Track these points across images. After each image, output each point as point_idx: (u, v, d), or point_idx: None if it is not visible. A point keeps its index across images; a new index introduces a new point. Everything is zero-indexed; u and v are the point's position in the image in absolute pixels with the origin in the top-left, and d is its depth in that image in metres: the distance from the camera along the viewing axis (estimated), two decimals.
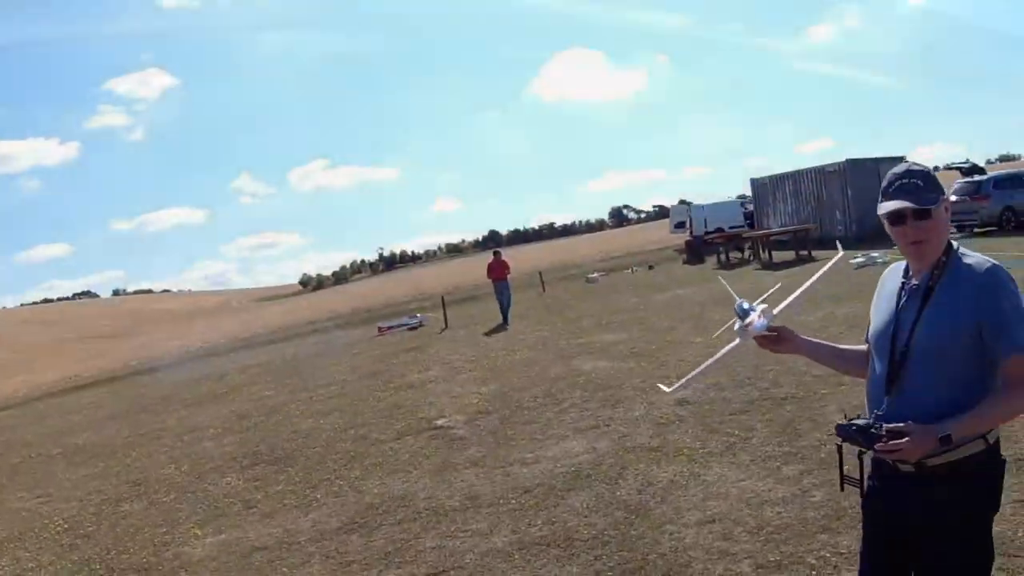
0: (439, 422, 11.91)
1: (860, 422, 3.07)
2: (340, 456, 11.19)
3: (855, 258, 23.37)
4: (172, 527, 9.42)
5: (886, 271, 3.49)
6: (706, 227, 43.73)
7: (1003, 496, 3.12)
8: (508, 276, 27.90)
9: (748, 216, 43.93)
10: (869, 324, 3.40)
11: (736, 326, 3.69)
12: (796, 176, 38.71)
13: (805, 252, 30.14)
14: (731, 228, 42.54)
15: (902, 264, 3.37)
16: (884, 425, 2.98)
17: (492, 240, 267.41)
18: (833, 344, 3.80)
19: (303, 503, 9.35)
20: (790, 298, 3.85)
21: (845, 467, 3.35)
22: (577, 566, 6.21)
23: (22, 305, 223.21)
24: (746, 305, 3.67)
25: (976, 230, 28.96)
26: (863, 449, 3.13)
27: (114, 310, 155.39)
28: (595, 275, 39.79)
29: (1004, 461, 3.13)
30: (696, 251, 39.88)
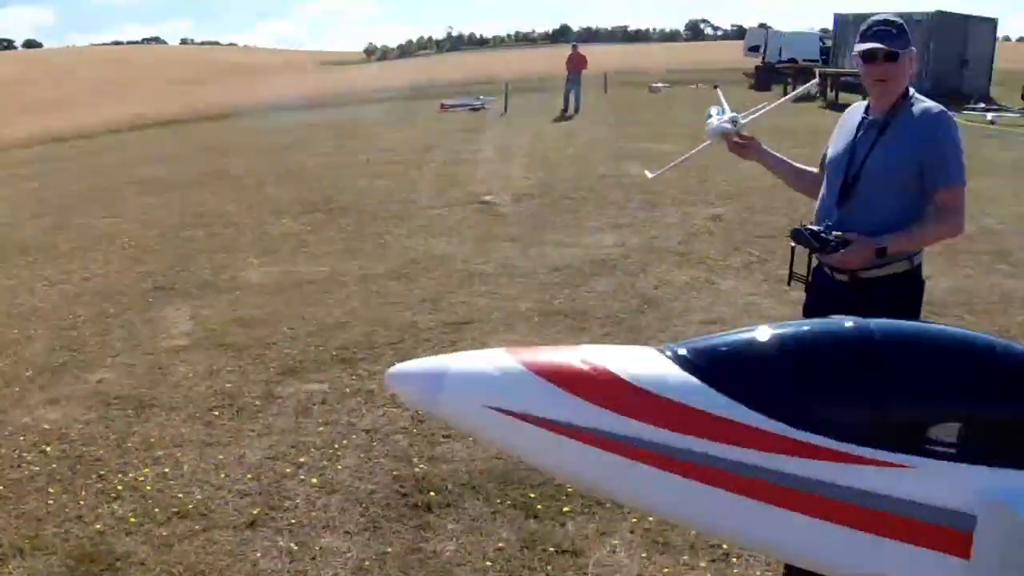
0: (486, 198, 12.61)
1: (814, 227, 3.56)
2: (390, 215, 11.98)
3: None
4: (230, 254, 10.31)
5: (848, 109, 3.97)
6: (780, 56, 42.87)
7: None
8: (583, 72, 28.23)
9: (825, 52, 42.68)
10: (827, 151, 3.89)
11: (706, 127, 4.12)
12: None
13: None
14: (805, 60, 41.48)
15: (863, 104, 3.86)
16: (833, 232, 3.50)
17: (562, 34, 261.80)
18: (792, 162, 4.26)
19: (352, 249, 10.20)
20: (758, 112, 4.24)
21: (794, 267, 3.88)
22: (587, 337, 6.98)
23: (92, 45, 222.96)
24: (714, 111, 4.20)
25: None
26: (813, 251, 3.66)
27: (181, 57, 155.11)
28: (659, 85, 39.32)
29: (923, 282, 3.75)
30: (765, 78, 39.09)
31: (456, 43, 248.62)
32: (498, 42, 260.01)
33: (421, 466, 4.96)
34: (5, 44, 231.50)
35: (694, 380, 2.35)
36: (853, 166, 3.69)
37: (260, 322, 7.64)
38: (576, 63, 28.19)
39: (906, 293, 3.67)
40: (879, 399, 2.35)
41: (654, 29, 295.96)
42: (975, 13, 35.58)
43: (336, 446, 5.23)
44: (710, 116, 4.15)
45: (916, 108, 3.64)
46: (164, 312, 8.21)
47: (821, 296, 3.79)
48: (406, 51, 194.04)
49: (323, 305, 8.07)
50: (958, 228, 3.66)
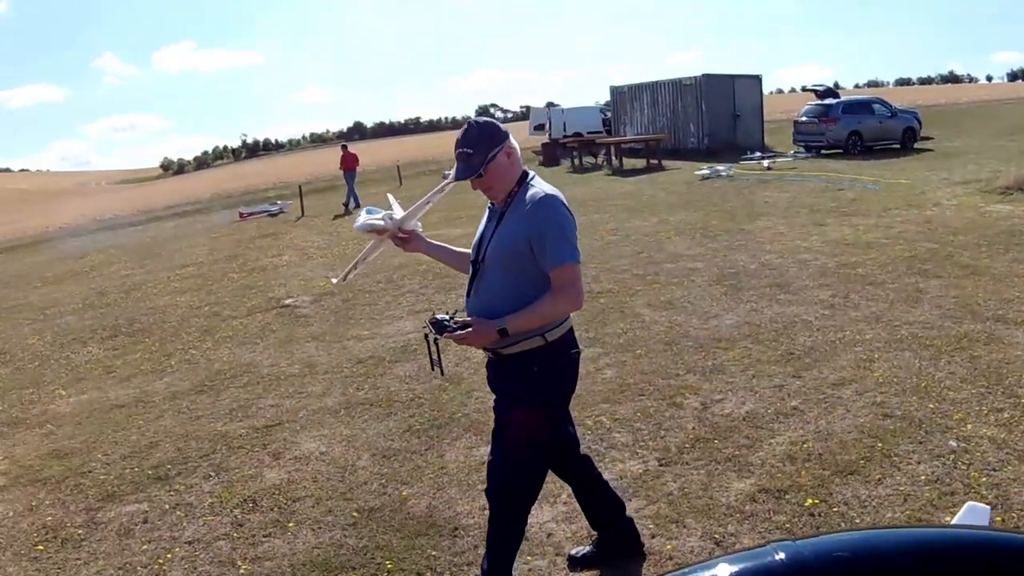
0: (287, 301, 12.99)
1: (440, 316, 3.95)
2: (194, 330, 12.20)
3: (700, 170, 24.85)
4: (38, 388, 10.35)
5: None
6: (564, 131, 44.31)
7: None
8: (357, 168, 29.15)
9: (607, 123, 44.38)
10: None
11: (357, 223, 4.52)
12: (654, 87, 39.20)
13: (656, 161, 31.08)
14: (589, 133, 42.98)
15: None
16: (455, 318, 3.92)
17: (357, 131, 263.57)
18: (451, 247, 4.68)
19: (158, 369, 10.38)
20: (418, 205, 4.57)
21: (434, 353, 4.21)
22: (394, 421, 7.45)
23: None
24: (363, 213, 4.59)
25: (823, 151, 30.50)
26: (436, 336, 4.00)
27: None
28: (451, 172, 40.27)
29: (570, 355, 4.08)
30: (551, 154, 40.42)
31: (252, 150, 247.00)
32: (294, 145, 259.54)
33: (245, 567, 5.27)
34: None
35: None
36: (480, 252, 4.10)
37: (75, 452, 7.79)
38: (347, 161, 29.19)
39: (542, 367, 3.97)
40: None
41: (446, 118, 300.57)
42: (740, 73, 37.98)
43: (161, 561, 5.46)
44: (359, 215, 4.64)
45: (527, 195, 3.95)
46: None
47: (488, 371, 4.27)
48: (203, 162, 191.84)
49: (134, 427, 8.25)
50: (571, 303, 3.91)
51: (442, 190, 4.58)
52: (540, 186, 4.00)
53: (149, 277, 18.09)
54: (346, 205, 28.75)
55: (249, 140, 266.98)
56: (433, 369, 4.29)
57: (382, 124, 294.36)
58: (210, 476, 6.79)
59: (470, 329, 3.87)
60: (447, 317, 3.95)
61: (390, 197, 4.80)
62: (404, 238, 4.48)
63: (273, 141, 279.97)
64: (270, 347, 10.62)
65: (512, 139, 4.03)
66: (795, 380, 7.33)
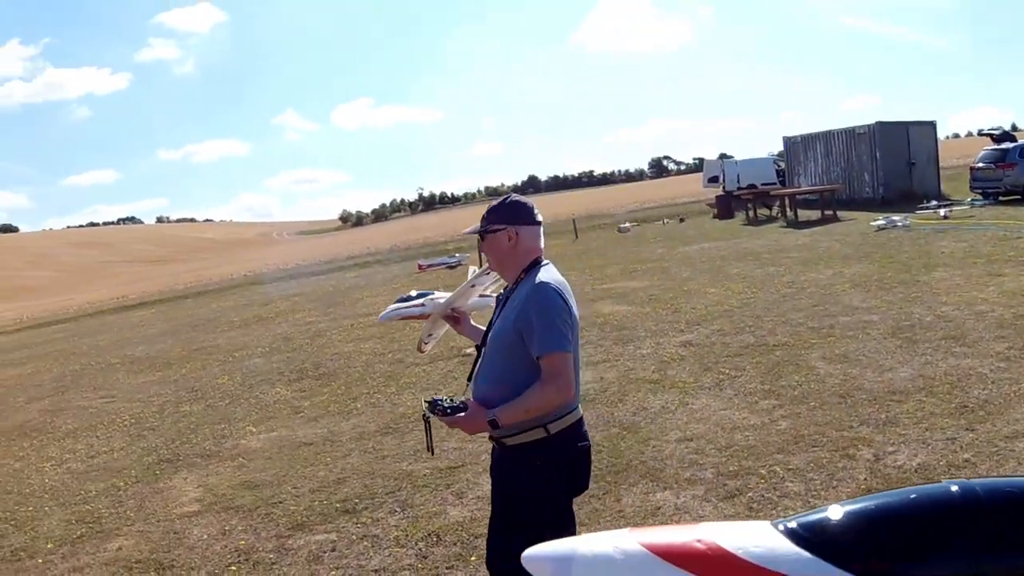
0: (468, 350, 13.13)
1: (437, 397, 3.88)
2: (378, 375, 12.49)
3: (876, 221, 24.19)
4: (229, 424, 10.81)
5: None
6: (738, 183, 43.88)
7: None
8: None
9: (781, 174, 43.60)
10: None
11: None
12: (827, 136, 38.27)
13: (830, 212, 30.22)
14: (763, 185, 42.26)
15: None
16: (450, 402, 3.82)
17: (531, 185, 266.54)
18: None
19: (344, 411, 10.68)
20: (454, 292, 4.73)
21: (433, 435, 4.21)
22: None
23: (68, 227, 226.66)
24: (396, 302, 4.68)
25: (1001, 198, 29.13)
26: (429, 416, 3.92)
27: (158, 236, 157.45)
28: (627, 225, 40.14)
29: (577, 448, 3.90)
30: (726, 206, 39.90)
31: (429, 203, 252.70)
32: (469, 198, 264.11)
33: None
34: None
35: (806, 554, 2.53)
36: (484, 337, 4.15)
37: (266, 484, 8.09)
38: None
39: (543, 459, 3.81)
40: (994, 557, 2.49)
41: (619, 171, 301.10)
42: (914, 119, 36.99)
43: None
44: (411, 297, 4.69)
45: (528, 280, 3.93)
46: (173, 482, 8.68)
47: (493, 460, 4.20)
48: (381, 215, 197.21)
49: (322, 464, 8.52)
50: (560, 393, 3.75)
51: (487, 272, 4.55)
52: (541, 274, 3.94)
53: (333, 324, 18.62)
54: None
55: (425, 193, 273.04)
56: (428, 449, 4.31)
57: (555, 177, 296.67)
58: (395, 511, 6.93)
59: (461, 414, 3.82)
60: (445, 399, 3.89)
61: (471, 268, 4.94)
62: (455, 318, 4.65)
63: (449, 194, 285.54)
64: (452, 392, 10.76)
65: (526, 229, 4.02)
66: (968, 433, 7.03)
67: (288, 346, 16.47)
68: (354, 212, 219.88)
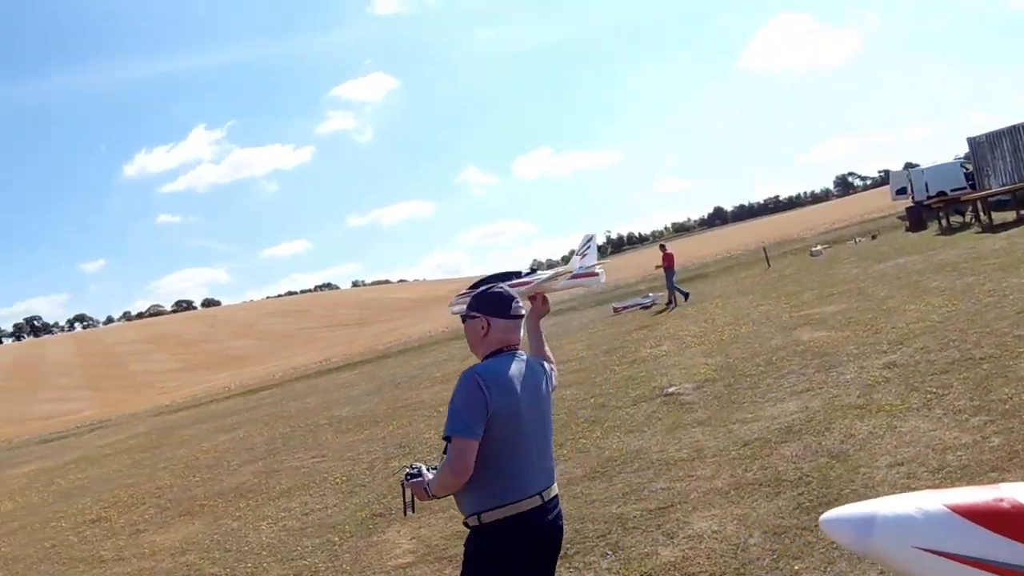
0: (670, 389, 13.21)
1: (417, 464, 4.31)
2: (582, 420, 12.67)
3: None
4: None
5: None
6: (927, 191, 42.40)
7: None
8: (675, 267, 29.92)
9: (970, 177, 41.71)
10: None
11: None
12: (1013, 132, 36.02)
13: None
14: (953, 191, 40.75)
15: None
16: (414, 469, 4.24)
17: (718, 216, 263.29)
18: (543, 344, 4.91)
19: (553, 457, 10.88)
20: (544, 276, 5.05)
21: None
22: (783, 500, 7.43)
23: (267, 298, 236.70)
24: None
25: None
26: (403, 481, 4.28)
27: (354, 300, 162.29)
28: (818, 248, 39.21)
29: (503, 546, 4.01)
30: (917, 217, 38.70)
31: (617, 245, 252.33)
32: (657, 236, 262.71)
33: None
34: (185, 305, 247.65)
35: None
36: None
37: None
38: (667, 260, 29.43)
39: (475, 546, 4.08)
40: None
41: (805, 193, 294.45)
42: None
43: None
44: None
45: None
46: (386, 535, 9.12)
47: None
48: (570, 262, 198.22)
49: None
50: (454, 476, 3.96)
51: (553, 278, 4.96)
52: (484, 362, 4.20)
53: None
54: (670, 302, 28.88)
55: (613, 235, 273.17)
56: (406, 512, 4.47)
57: (742, 207, 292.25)
58: (607, 555, 7.08)
59: (416, 479, 4.17)
60: (420, 466, 4.26)
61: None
62: (541, 299, 5.08)
63: (636, 234, 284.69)
64: (657, 434, 10.85)
65: (499, 321, 4.25)
66: None
67: None
68: (544, 260, 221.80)
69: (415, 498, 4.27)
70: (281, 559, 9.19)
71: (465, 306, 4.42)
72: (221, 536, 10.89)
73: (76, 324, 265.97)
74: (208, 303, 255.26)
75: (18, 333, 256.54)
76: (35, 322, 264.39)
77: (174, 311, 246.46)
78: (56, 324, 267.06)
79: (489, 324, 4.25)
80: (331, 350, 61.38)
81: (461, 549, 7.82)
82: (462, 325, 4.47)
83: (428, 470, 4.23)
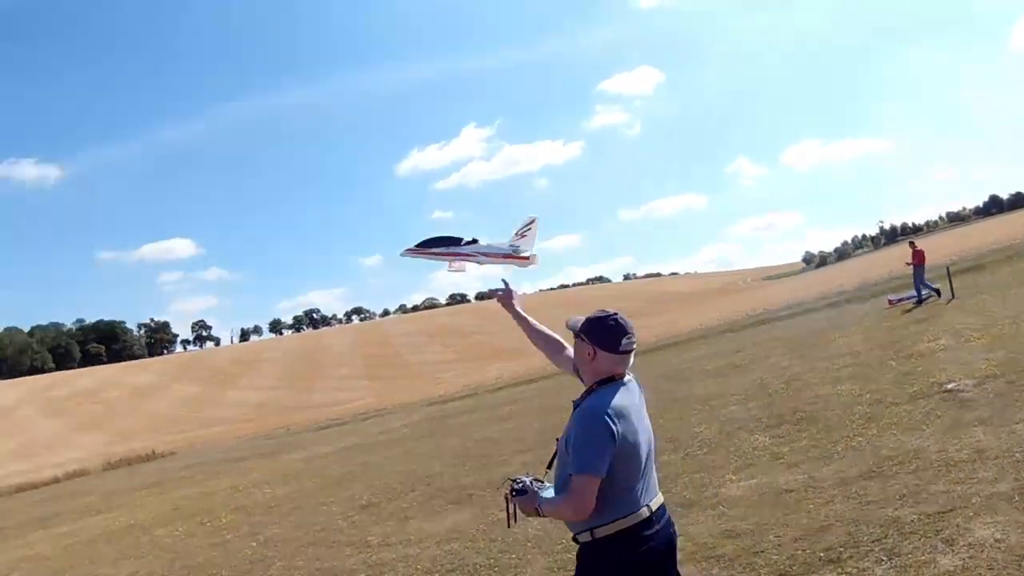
0: (949, 386, 12.51)
1: (522, 477, 4.53)
2: (857, 417, 12.16)
3: None
4: (708, 473, 11.01)
5: None
6: None
7: None
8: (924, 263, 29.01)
9: None
10: None
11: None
12: None
13: None
14: None
15: None
16: (519, 484, 4.46)
17: (993, 205, 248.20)
18: (535, 324, 5.41)
19: (825, 455, 10.51)
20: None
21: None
22: None
23: (540, 291, 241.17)
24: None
25: None
26: (507, 494, 4.54)
27: (626, 292, 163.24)
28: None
29: (630, 558, 4.17)
30: None
31: (890, 235, 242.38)
32: (932, 226, 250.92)
33: None
34: (459, 298, 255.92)
35: None
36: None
37: (746, 532, 8.20)
38: (917, 257, 28.42)
39: (588, 560, 4.24)
40: None
41: None
42: None
43: None
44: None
45: (589, 399, 4.32)
46: None
47: None
48: (843, 253, 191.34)
49: (804, 511, 8.47)
50: (574, 511, 4.15)
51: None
52: (599, 398, 4.26)
53: (807, 367, 18.33)
54: (919, 300, 27.29)
55: (886, 226, 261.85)
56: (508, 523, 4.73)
57: (1018, 194, 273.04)
58: (882, 560, 6.76)
59: (522, 496, 4.42)
60: (525, 479, 4.50)
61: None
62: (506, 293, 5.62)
63: (910, 224, 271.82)
64: (936, 433, 10.27)
65: (604, 355, 4.36)
66: None
67: (764, 392, 16.43)
68: (816, 252, 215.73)
69: (519, 510, 4.54)
70: (545, 551, 9.28)
71: (582, 324, 4.53)
72: (487, 526, 11.09)
73: (354, 317, 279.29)
74: (482, 296, 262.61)
75: (298, 325, 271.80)
76: (314, 315, 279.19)
77: (448, 304, 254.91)
78: (335, 316, 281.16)
79: (595, 354, 4.38)
80: None
81: (731, 548, 7.75)
82: None
83: (533, 483, 4.47)
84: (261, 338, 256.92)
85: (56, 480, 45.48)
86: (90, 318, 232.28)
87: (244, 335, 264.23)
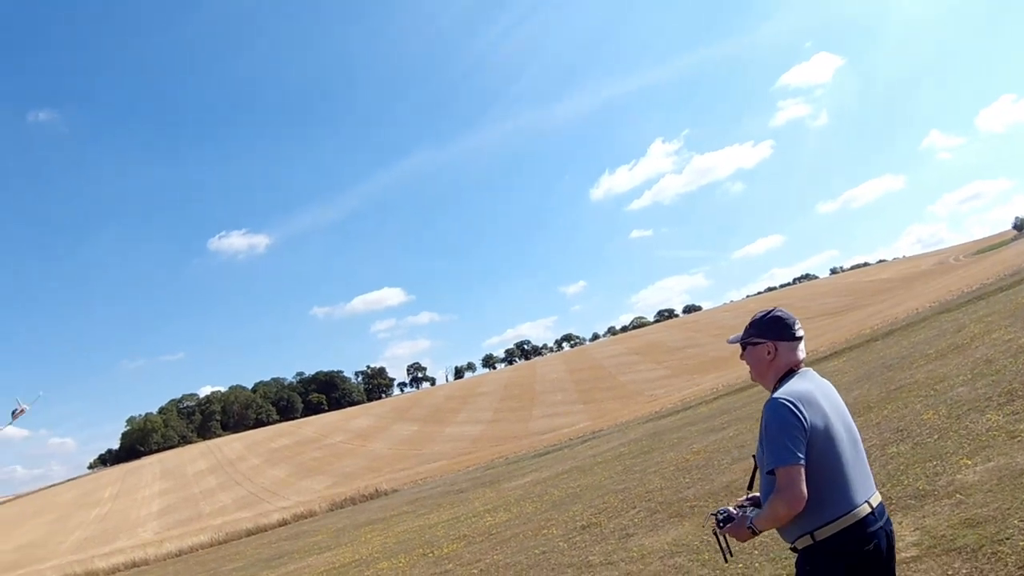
0: None
1: (728, 508, 4.39)
2: None
3: None
4: (940, 460, 10.13)
5: None
6: None
7: None
8: None
9: None
10: None
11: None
12: None
13: None
14: None
15: None
16: (724, 514, 4.34)
17: None
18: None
19: None
20: None
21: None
22: None
23: (748, 297, 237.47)
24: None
25: None
26: (715, 529, 4.44)
27: (835, 287, 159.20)
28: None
29: (855, 553, 4.01)
30: None
31: None
32: None
33: None
34: (667, 314, 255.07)
35: None
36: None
37: (988, 520, 7.44)
38: None
39: (812, 565, 4.06)
40: None
41: None
42: None
43: None
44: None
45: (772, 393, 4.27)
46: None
47: None
48: None
49: None
50: (788, 506, 3.95)
51: None
52: (781, 389, 4.22)
53: None
54: None
55: None
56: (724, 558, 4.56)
57: None
58: None
59: (731, 524, 4.28)
60: (727, 508, 4.36)
61: None
62: None
63: None
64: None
65: (784, 344, 4.42)
66: None
67: (990, 369, 15.24)
68: None
69: (730, 541, 4.44)
70: (773, 558, 8.76)
71: (746, 327, 4.59)
72: (710, 536, 10.53)
73: (564, 344, 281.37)
74: (689, 309, 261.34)
75: (509, 358, 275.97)
76: (525, 346, 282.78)
77: (656, 321, 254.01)
78: (545, 346, 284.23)
79: (776, 349, 4.42)
80: (816, 340, 60.15)
81: (972, 538, 7.00)
82: (741, 354, 4.61)
83: (737, 509, 4.35)
84: (475, 374, 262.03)
85: (284, 523, 47.31)
86: (309, 370, 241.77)
87: (459, 373, 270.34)
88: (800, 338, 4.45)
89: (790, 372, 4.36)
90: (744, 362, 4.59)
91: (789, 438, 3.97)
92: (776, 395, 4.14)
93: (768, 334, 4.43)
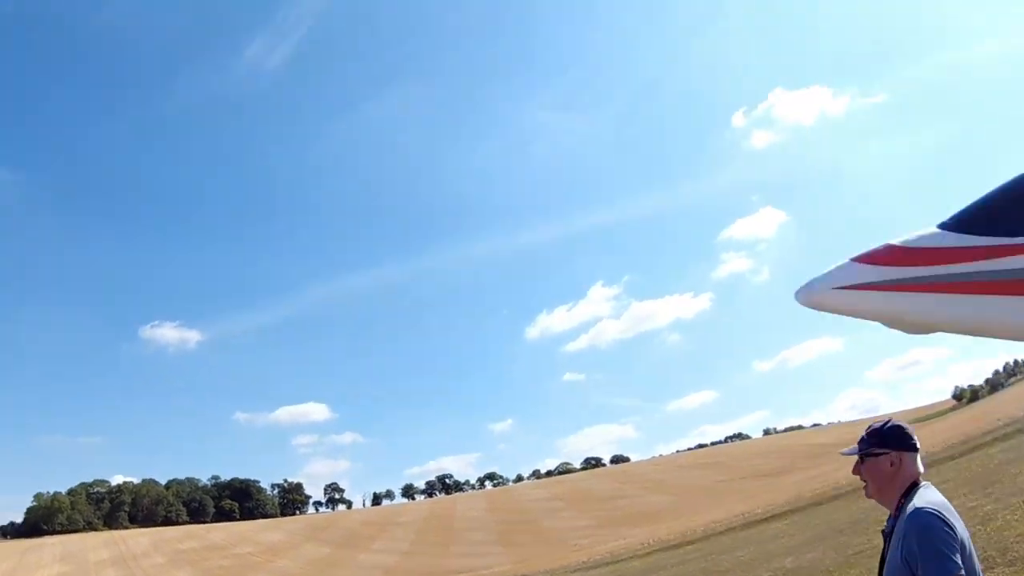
0: None
1: None
2: None
3: None
4: None
5: None
6: None
7: None
8: None
9: None
10: None
11: None
12: None
13: None
14: None
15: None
16: None
17: None
18: None
19: None
20: None
21: None
22: None
23: (677, 452, 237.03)
24: None
25: None
26: None
27: (769, 448, 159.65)
28: None
29: None
30: None
31: None
32: None
33: None
34: (594, 462, 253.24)
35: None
36: (881, 569, 4.15)
37: None
38: None
39: None
40: None
41: None
42: None
43: None
44: None
45: (908, 509, 4.00)
46: None
47: None
48: (996, 384, 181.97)
49: None
50: None
51: None
52: (916, 499, 4.03)
53: (1000, 505, 17.06)
54: None
55: None
56: None
57: None
58: None
59: None
60: None
61: None
62: None
63: None
64: None
65: (908, 455, 4.20)
66: None
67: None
68: (966, 386, 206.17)
69: None
70: None
71: (861, 440, 4.35)
72: None
73: (487, 482, 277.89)
74: (617, 459, 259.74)
75: (430, 490, 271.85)
76: (447, 479, 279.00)
77: (584, 468, 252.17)
78: (467, 482, 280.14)
79: (901, 460, 4.20)
80: (751, 501, 59.78)
81: None
82: (856, 467, 4.39)
83: None
84: (393, 502, 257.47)
85: None
86: (225, 475, 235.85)
87: (376, 499, 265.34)
88: (919, 449, 4.27)
89: (914, 485, 4.17)
90: (858, 476, 4.38)
91: (950, 549, 3.80)
92: (922, 507, 3.95)
93: (891, 444, 4.21)
